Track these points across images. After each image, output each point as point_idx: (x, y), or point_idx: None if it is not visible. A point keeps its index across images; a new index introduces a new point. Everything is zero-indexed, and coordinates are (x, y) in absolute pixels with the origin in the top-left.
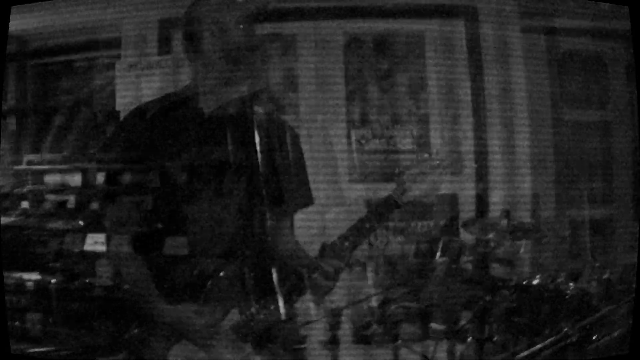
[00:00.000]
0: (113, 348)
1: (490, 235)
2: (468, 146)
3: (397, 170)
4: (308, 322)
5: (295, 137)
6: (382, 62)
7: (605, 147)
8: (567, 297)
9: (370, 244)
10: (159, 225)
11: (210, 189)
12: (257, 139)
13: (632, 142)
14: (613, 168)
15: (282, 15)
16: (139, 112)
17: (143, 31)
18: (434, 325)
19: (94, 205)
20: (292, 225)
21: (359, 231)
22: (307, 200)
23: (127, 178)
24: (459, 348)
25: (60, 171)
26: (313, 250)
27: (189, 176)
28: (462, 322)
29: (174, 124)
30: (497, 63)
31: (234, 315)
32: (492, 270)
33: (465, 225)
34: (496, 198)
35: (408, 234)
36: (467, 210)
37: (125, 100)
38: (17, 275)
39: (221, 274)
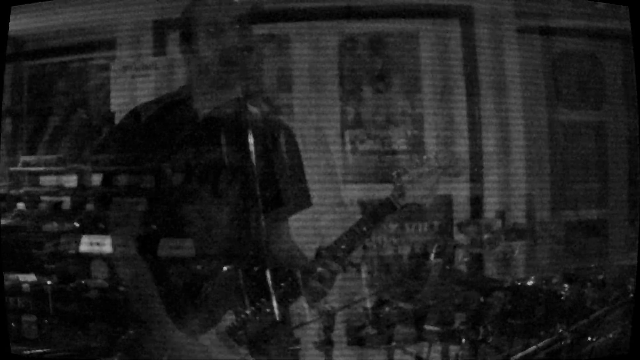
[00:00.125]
0: (108, 350)
1: (485, 237)
2: (463, 147)
3: (394, 173)
4: (302, 324)
5: (292, 138)
6: (376, 62)
7: (601, 148)
8: (561, 298)
9: (365, 246)
10: (155, 227)
11: (206, 190)
12: (253, 140)
13: (628, 143)
14: (608, 169)
15: (276, 16)
16: (135, 113)
17: (138, 32)
18: (428, 327)
19: (89, 207)
20: (288, 227)
21: (355, 234)
22: (305, 202)
23: (122, 180)
24: (454, 350)
25: (55, 172)
26: (309, 251)
27: (185, 178)
28: (457, 324)
29: (169, 126)
30: (492, 63)
31: (230, 317)
32: (487, 271)
33: (460, 226)
34: (491, 199)
35: (403, 235)
36: (462, 212)
37: (120, 102)
38: (14, 276)
39: (217, 276)
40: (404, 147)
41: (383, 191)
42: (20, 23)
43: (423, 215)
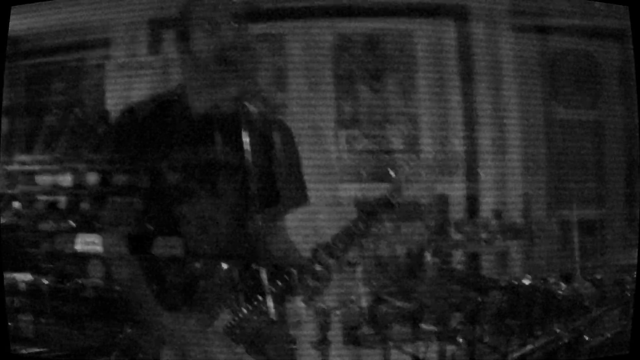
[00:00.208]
0: (105, 349)
1: (482, 236)
2: (459, 146)
3: (390, 170)
4: (298, 323)
5: (290, 136)
6: (372, 61)
7: (597, 147)
8: (558, 298)
9: (361, 246)
10: (151, 226)
11: (203, 189)
12: (250, 138)
13: (624, 141)
14: (605, 168)
15: (272, 15)
16: (129, 112)
17: (133, 31)
18: (424, 326)
19: (85, 206)
20: (285, 225)
21: (352, 232)
22: (302, 199)
23: (117, 179)
24: (450, 349)
25: (51, 172)
26: (305, 250)
27: (182, 176)
28: (453, 323)
29: (165, 124)
30: (487, 62)
31: (226, 316)
32: (483, 270)
33: (456, 225)
34: (487, 198)
35: (399, 234)
36: (458, 211)
37: (115, 100)
38: (10, 275)
39: (214, 274)
40: (400, 146)
41: (379, 190)
42: (15, 23)
43: (419, 214)
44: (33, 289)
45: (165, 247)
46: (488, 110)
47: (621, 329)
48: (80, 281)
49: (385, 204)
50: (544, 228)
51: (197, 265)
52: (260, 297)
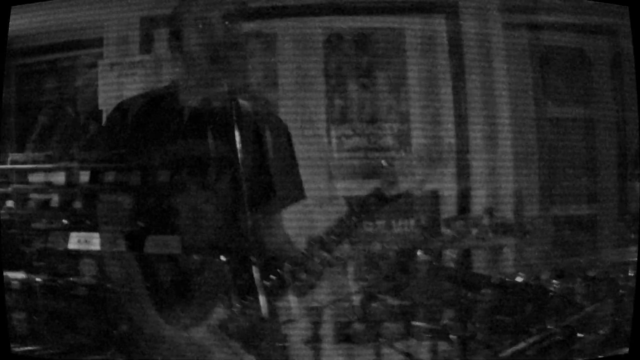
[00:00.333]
0: (100, 347)
1: (473, 233)
2: (450, 143)
3: (383, 163)
4: (290, 320)
5: (285, 130)
6: (362, 58)
7: (589, 144)
8: (551, 295)
9: (353, 242)
10: (145, 223)
11: (198, 184)
12: (244, 133)
13: (616, 138)
14: (597, 164)
15: (262, 13)
16: (121, 109)
17: (125, 30)
18: (416, 323)
19: (78, 204)
20: (282, 220)
21: (345, 225)
22: (299, 194)
23: (110, 176)
24: (442, 346)
25: (44, 170)
26: (299, 244)
27: (175, 173)
28: (445, 320)
29: (157, 119)
30: (478, 59)
31: (221, 312)
32: (475, 267)
33: (448, 222)
34: (479, 195)
35: (390, 231)
36: (449, 208)
37: (108, 100)
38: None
39: (209, 269)
40: (391, 144)
41: (371, 186)
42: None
43: (411, 211)
44: (26, 287)
45: (159, 244)
46: (479, 107)
47: (614, 326)
48: (73, 279)
49: (378, 197)
50: (536, 225)
51: (191, 260)
52: (252, 293)
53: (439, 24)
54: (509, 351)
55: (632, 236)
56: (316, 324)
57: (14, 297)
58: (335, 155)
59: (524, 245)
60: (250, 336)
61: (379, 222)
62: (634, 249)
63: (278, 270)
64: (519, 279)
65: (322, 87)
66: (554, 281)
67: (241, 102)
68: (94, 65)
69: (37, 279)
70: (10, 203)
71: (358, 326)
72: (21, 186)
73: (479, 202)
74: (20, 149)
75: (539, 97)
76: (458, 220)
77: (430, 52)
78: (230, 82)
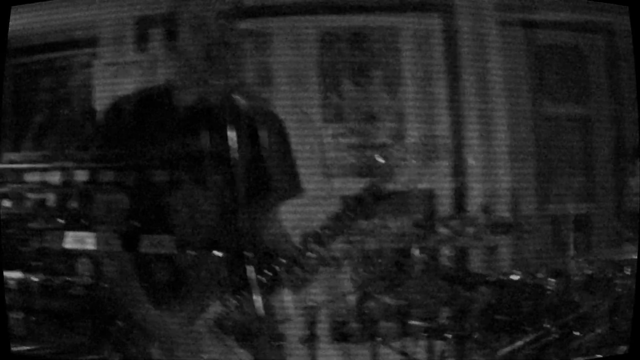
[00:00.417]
0: (96, 345)
1: (469, 231)
2: (445, 141)
3: (378, 158)
4: (286, 319)
5: (281, 125)
6: (357, 56)
7: (586, 141)
8: (548, 293)
9: (348, 241)
10: (141, 221)
11: (193, 181)
12: (239, 130)
13: (614, 136)
14: (594, 162)
15: (257, 12)
16: (115, 107)
17: (120, 29)
18: (412, 322)
19: (74, 204)
20: (279, 215)
21: (340, 220)
22: (296, 190)
23: (106, 175)
24: (439, 345)
25: (40, 169)
26: (295, 237)
27: (171, 170)
28: (442, 319)
29: (152, 117)
30: (474, 57)
31: (216, 308)
32: (471, 266)
33: (443, 220)
34: (475, 194)
35: (386, 229)
36: (445, 206)
37: (103, 99)
38: None
39: (205, 265)
40: (386, 141)
41: (365, 184)
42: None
43: (406, 209)
44: (23, 287)
45: (154, 243)
46: (475, 105)
47: (611, 325)
48: (69, 278)
49: (373, 192)
50: (533, 223)
51: (187, 256)
52: (247, 289)
53: (435, 22)
54: (506, 350)
55: (629, 234)
56: (312, 323)
57: (11, 296)
58: (332, 154)
59: (520, 243)
60: (245, 333)
61: (375, 221)
62: (631, 247)
63: (273, 265)
64: (515, 278)
65: (317, 86)
66: (551, 279)
67: (236, 99)
68: (89, 64)
69: (34, 279)
70: (6, 202)
71: (354, 325)
72: (17, 185)
73: (475, 200)
74: (16, 148)
75: (535, 95)
76: (454, 219)
77: (426, 50)
78: (226, 81)
